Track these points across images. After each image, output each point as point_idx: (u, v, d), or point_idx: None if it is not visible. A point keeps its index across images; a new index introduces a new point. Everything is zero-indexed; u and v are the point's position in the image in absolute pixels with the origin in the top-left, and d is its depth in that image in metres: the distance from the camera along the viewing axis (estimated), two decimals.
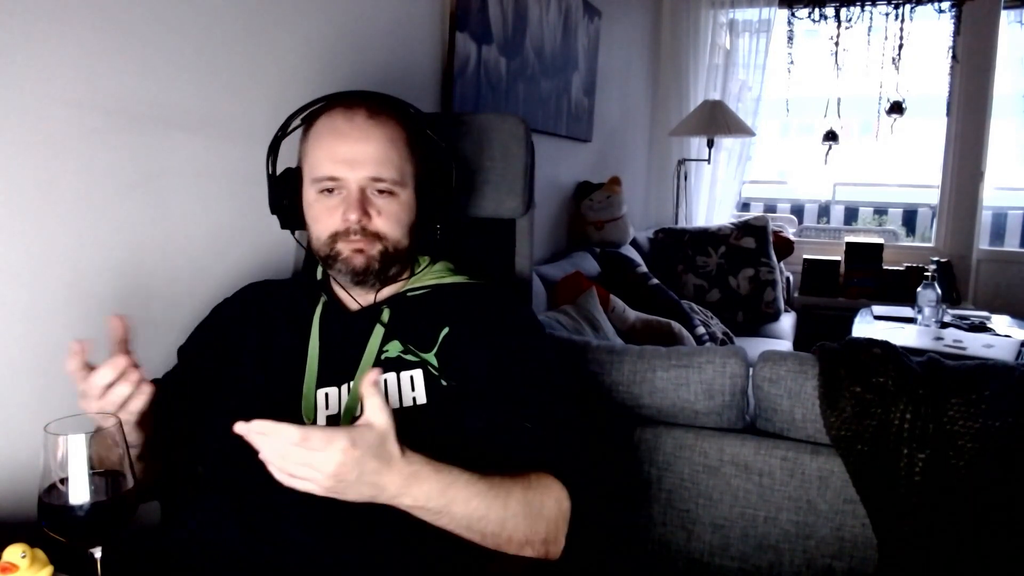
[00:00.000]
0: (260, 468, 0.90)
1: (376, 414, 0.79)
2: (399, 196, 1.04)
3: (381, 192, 1.03)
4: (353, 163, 1.01)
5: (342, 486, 0.78)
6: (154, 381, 1.13)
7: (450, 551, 0.91)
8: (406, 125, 1.07)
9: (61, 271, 1.08)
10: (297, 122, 1.10)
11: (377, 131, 1.03)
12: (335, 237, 1.04)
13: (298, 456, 0.76)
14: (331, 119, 1.04)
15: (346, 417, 1.01)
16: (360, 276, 1.05)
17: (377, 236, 1.03)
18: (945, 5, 4.11)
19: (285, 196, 1.09)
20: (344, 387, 1.03)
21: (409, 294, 1.11)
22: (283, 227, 1.12)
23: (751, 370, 1.60)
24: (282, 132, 1.11)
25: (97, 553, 0.77)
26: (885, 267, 4.36)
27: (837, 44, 4.27)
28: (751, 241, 3.80)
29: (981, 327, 3.13)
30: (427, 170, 1.10)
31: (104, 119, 1.12)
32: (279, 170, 1.12)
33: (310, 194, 1.06)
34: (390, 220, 1.04)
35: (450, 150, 1.13)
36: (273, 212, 1.12)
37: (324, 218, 1.04)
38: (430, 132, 1.12)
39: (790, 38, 4.36)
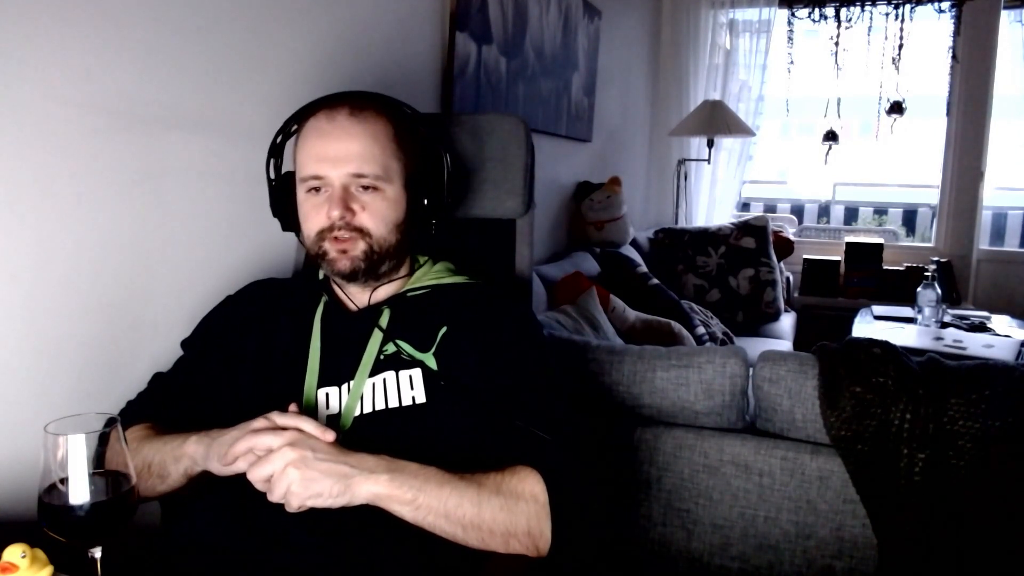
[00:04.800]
0: None
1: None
2: (384, 192, 1.05)
3: (365, 188, 1.04)
4: (335, 161, 1.02)
5: (305, 466, 0.85)
6: (157, 376, 1.14)
7: (448, 551, 0.91)
8: (393, 121, 1.07)
9: (61, 271, 1.08)
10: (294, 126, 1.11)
11: (359, 128, 1.03)
12: (322, 235, 1.05)
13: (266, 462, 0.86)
14: (316, 120, 1.05)
15: (346, 417, 1.01)
16: (348, 277, 1.06)
17: (361, 232, 1.04)
18: (945, 5, 4.11)
19: (284, 199, 1.11)
20: (344, 387, 1.03)
21: (409, 294, 1.11)
22: (285, 229, 1.14)
23: (751, 370, 1.60)
24: (279, 137, 1.13)
25: (97, 553, 0.77)
26: (885, 267, 4.36)
27: (837, 44, 4.26)
28: (751, 241, 3.80)
29: (981, 327, 3.13)
30: (418, 166, 1.10)
31: (105, 119, 1.12)
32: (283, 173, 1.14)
33: (300, 194, 1.08)
34: (375, 216, 1.04)
35: (442, 146, 1.14)
36: (275, 215, 1.14)
37: (311, 216, 1.06)
38: (421, 128, 1.12)
39: (790, 38, 4.35)
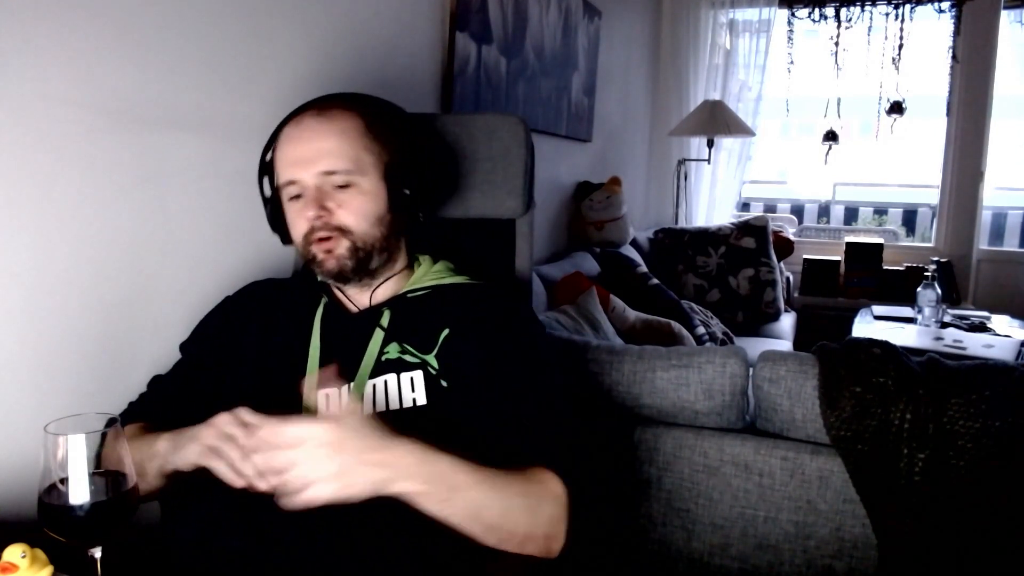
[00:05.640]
0: None
1: (355, 405, 0.84)
2: (360, 186, 1.05)
3: (340, 186, 1.04)
4: (305, 162, 1.03)
5: (346, 466, 0.80)
6: (156, 378, 1.14)
7: (450, 552, 0.91)
8: (363, 115, 1.07)
9: (61, 271, 1.08)
10: None
11: (324, 127, 1.04)
12: (308, 239, 1.05)
13: (289, 451, 0.80)
14: (287, 129, 1.07)
15: None
16: (339, 278, 1.06)
17: (342, 230, 1.04)
18: (945, 5, 4.11)
19: (280, 213, 1.11)
20: (345, 388, 1.03)
21: (409, 295, 1.11)
22: (285, 243, 1.14)
23: (751, 370, 1.60)
24: (267, 154, 1.13)
25: (97, 553, 0.76)
26: (885, 267, 4.36)
27: (837, 44, 4.27)
28: (751, 241, 3.80)
29: (981, 327, 3.13)
30: (397, 157, 1.09)
31: (104, 119, 1.12)
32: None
33: (285, 203, 1.08)
34: (353, 212, 1.04)
35: (423, 134, 1.13)
36: (274, 230, 1.14)
37: (296, 223, 1.06)
38: (397, 119, 1.13)
39: (790, 38, 4.36)
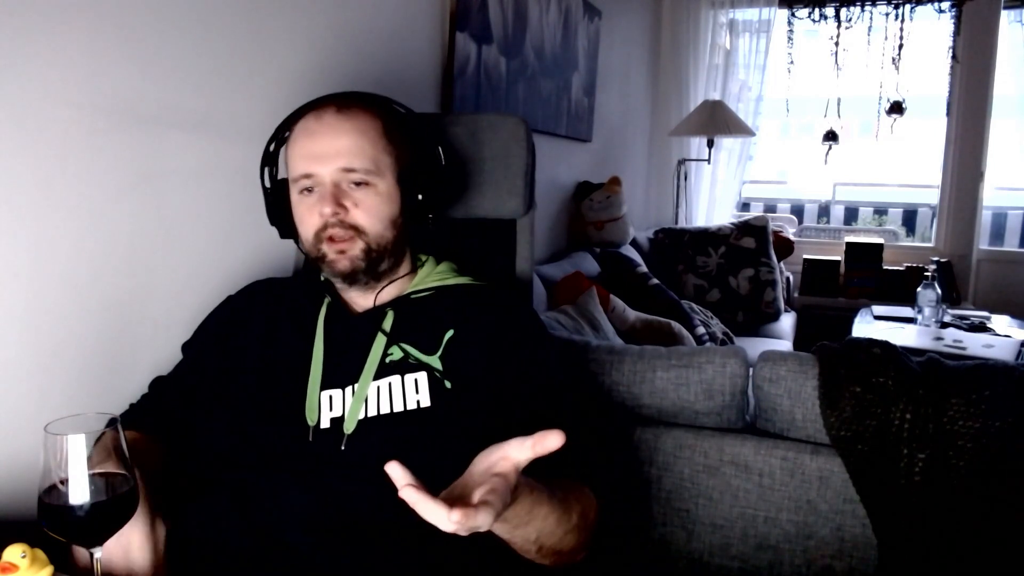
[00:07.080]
0: (261, 468, 0.90)
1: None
2: (376, 187, 1.04)
3: (357, 184, 1.03)
4: (324, 157, 1.02)
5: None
6: (157, 378, 1.14)
7: (452, 556, 0.91)
8: (382, 117, 1.08)
9: (61, 271, 1.08)
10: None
11: (347, 124, 1.03)
12: (319, 236, 1.04)
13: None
14: (304, 122, 1.06)
15: (350, 420, 1.00)
16: (348, 279, 1.06)
17: (356, 230, 1.04)
18: (945, 5, 4.12)
19: (280, 206, 1.11)
20: (348, 389, 1.02)
21: (412, 296, 1.11)
22: (283, 237, 1.14)
23: (751, 370, 1.59)
24: (271, 145, 1.13)
25: (97, 553, 0.77)
26: (885, 267, 4.36)
27: (837, 44, 4.27)
28: (751, 241, 3.80)
29: (981, 327, 3.13)
30: (411, 161, 1.10)
31: (104, 119, 1.12)
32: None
33: (294, 197, 1.08)
34: (368, 212, 1.04)
35: (435, 140, 1.14)
36: (272, 223, 1.14)
37: (306, 218, 1.05)
38: (412, 123, 1.13)
39: (790, 38, 4.36)
